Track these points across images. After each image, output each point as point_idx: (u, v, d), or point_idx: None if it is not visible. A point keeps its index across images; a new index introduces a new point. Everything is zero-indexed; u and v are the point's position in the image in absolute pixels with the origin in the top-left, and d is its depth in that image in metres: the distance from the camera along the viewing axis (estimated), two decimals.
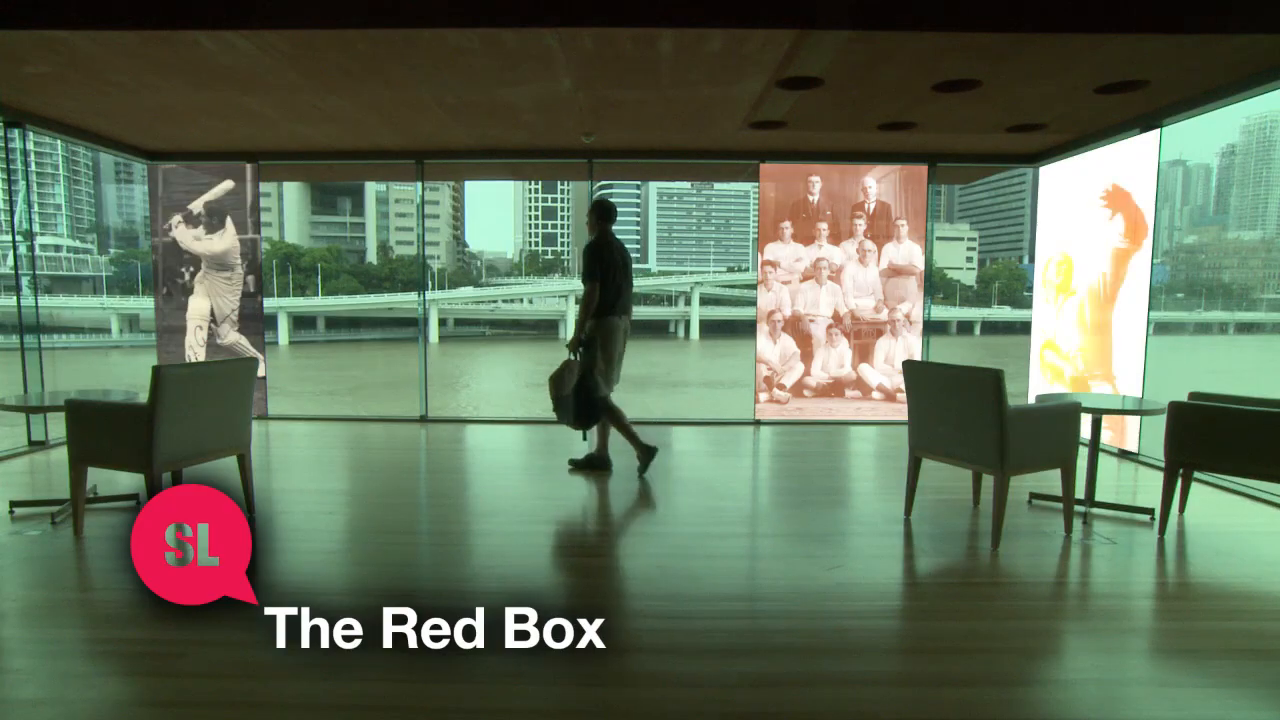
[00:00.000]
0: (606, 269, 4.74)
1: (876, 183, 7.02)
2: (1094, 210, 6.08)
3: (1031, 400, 5.03)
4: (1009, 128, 5.72)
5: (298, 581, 3.23)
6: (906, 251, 7.08)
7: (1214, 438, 3.65)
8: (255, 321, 7.25)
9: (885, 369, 7.13)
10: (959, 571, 3.41)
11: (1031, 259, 7.04)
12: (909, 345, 7.11)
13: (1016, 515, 4.02)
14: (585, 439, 5.05)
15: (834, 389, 7.15)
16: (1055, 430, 3.67)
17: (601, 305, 4.71)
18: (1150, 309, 5.48)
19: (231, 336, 7.21)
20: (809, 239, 7.05)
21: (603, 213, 4.89)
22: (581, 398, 4.70)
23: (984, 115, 5.33)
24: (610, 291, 4.75)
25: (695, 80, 4.61)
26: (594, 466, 5.03)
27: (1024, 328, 7.31)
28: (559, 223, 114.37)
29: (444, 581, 3.32)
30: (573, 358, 4.74)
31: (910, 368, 3.97)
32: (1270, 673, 2.44)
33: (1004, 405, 3.42)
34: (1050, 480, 3.94)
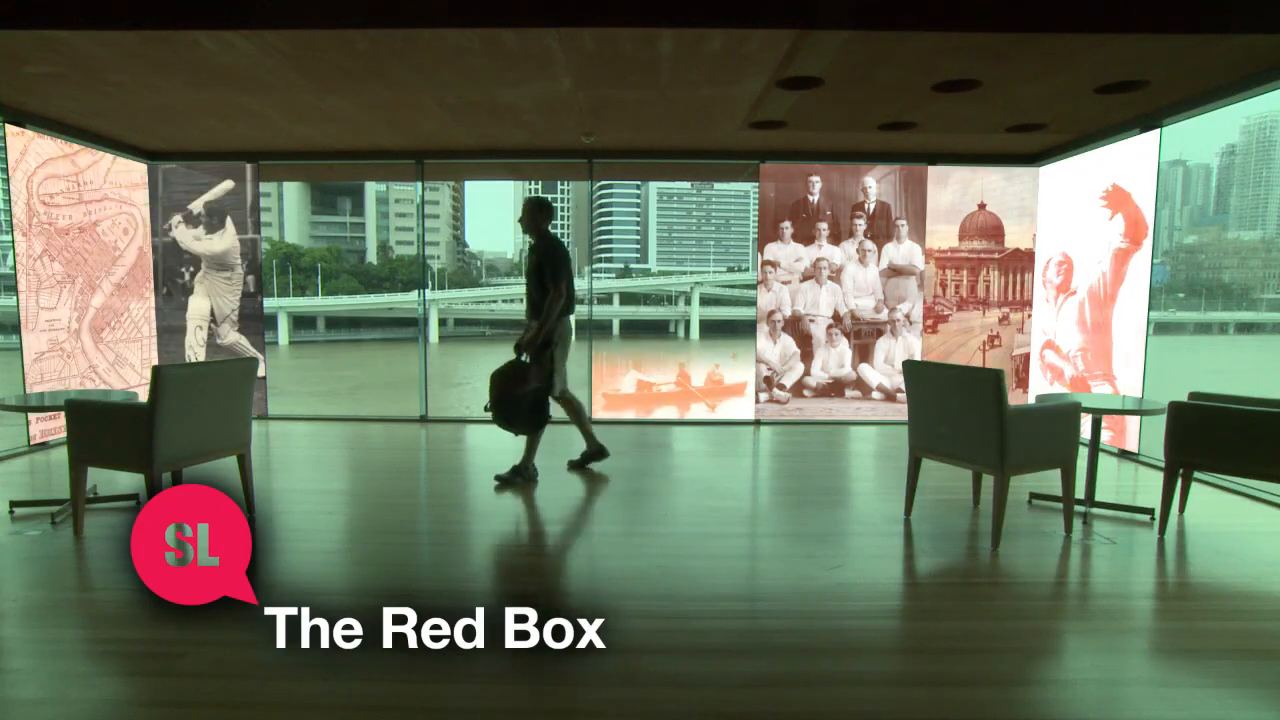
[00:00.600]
0: (570, 270, 4.67)
1: (876, 183, 7.02)
2: (1094, 210, 6.08)
3: (1031, 400, 5.03)
4: (1009, 128, 5.72)
5: (298, 581, 3.23)
6: (906, 251, 7.08)
7: (1214, 438, 3.65)
8: (255, 321, 7.25)
9: (885, 369, 7.13)
10: (959, 571, 3.41)
11: (1032, 259, 7.04)
12: (909, 345, 7.11)
13: (1016, 515, 4.02)
14: (515, 436, 4.85)
15: (834, 389, 7.15)
16: (1055, 430, 3.67)
17: (564, 306, 4.61)
18: (1150, 309, 5.48)
19: (231, 336, 7.21)
20: (809, 239, 7.05)
21: (548, 211, 4.77)
22: (539, 399, 4.62)
23: (984, 115, 5.33)
24: (570, 292, 4.67)
25: (695, 80, 4.61)
26: (593, 459, 5.05)
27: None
28: (559, 223, 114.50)
29: (444, 581, 3.32)
30: (524, 359, 4.57)
31: (910, 368, 3.97)
32: (1270, 673, 2.44)
33: (1004, 405, 3.42)
34: (1050, 480, 3.94)
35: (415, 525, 3.99)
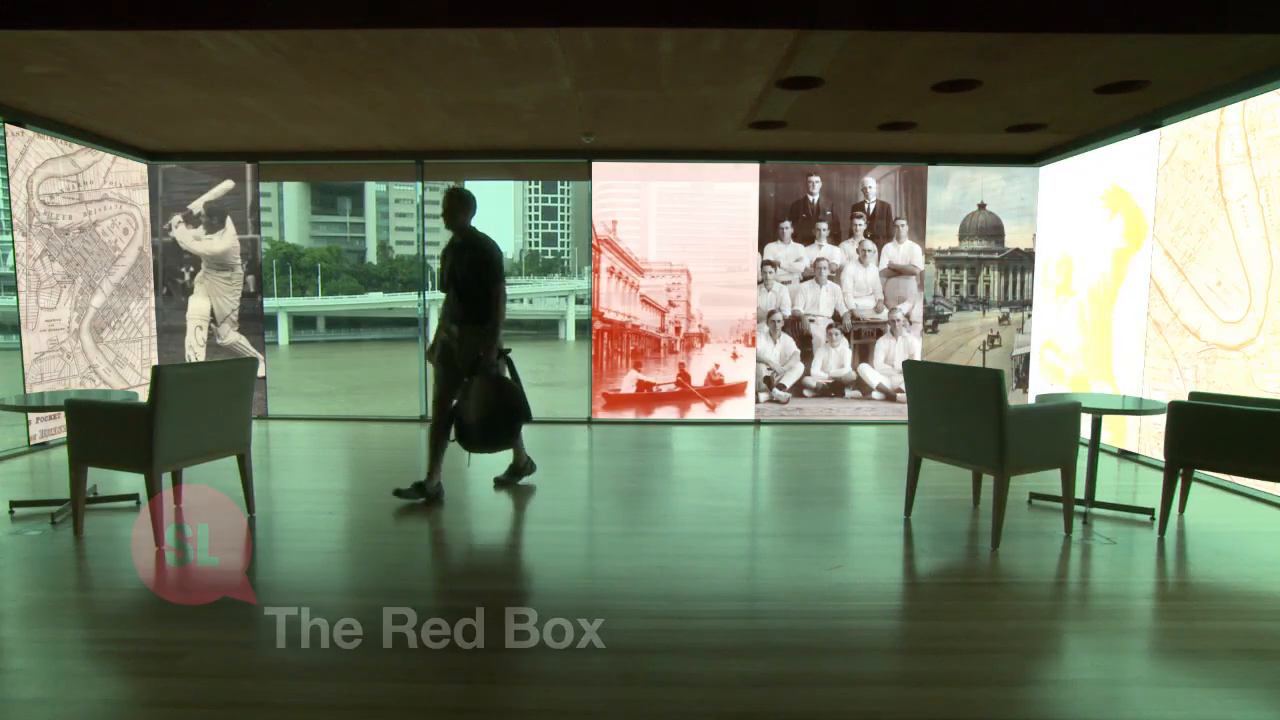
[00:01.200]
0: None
1: (876, 183, 7.03)
2: (1094, 210, 6.08)
3: (1031, 400, 5.03)
4: (1009, 128, 5.73)
5: (298, 581, 3.23)
6: (906, 251, 7.08)
7: (1214, 438, 3.65)
8: (255, 321, 7.26)
9: (885, 369, 7.13)
10: (959, 571, 3.41)
11: (1031, 259, 7.05)
12: (909, 345, 7.11)
13: (1016, 515, 4.02)
14: (469, 464, 4.81)
15: (834, 389, 7.15)
16: (1055, 430, 3.67)
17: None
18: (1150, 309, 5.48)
19: (231, 336, 7.21)
20: (809, 239, 7.06)
21: (472, 205, 4.32)
22: (513, 408, 4.25)
23: (984, 115, 5.33)
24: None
25: (695, 80, 4.61)
26: (522, 473, 4.76)
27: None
28: (559, 223, 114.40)
29: (444, 581, 3.33)
30: (472, 377, 4.17)
31: (910, 368, 3.97)
32: (1270, 673, 2.44)
33: (1004, 405, 3.42)
34: (1050, 480, 3.94)
35: (415, 525, 3.99)
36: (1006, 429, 3.42)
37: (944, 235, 7.08)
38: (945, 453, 3.82)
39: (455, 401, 4.24)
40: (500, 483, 4.68)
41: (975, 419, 3.54)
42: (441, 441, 4.33)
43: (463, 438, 4.23)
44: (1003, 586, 3.21)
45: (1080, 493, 3.97)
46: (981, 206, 7.05)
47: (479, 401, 4.17)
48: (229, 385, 3.82)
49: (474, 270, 4.17)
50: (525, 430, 4.60)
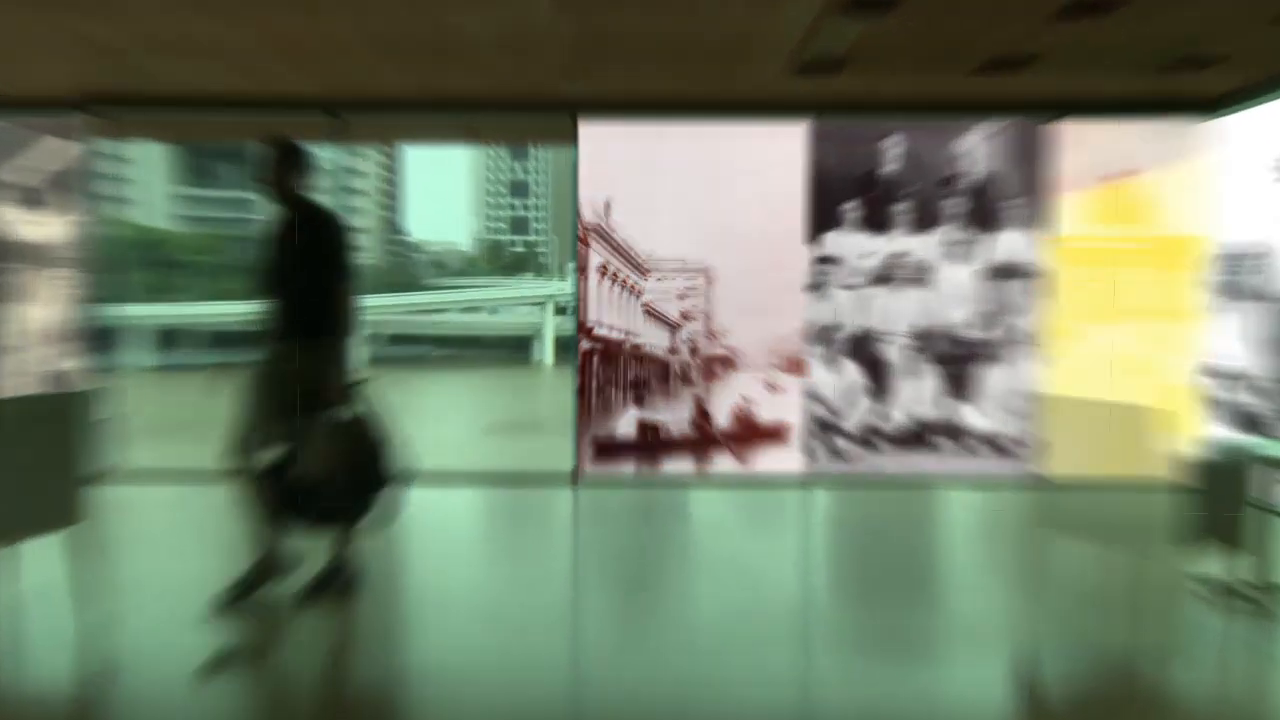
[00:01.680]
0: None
1: (978, 147, 7.05)
2: None
3: (1205, 449, 4.98)
4: (1169, 63, 5.71)
5: (151, 710, 3.17)
6: (1020, 243, 7.08)
7: None
8: (97, 339, 7.25)
9: (992, 407, 7.09)
10: (1103, 693, 3.37)
11: (1200, 251, 7.05)
12: (1025, 374, 7.07)
13: (1190, 611, 3.97)
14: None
15: (918, 436, 7.11)
16: (1239, 490, 3.63)
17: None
18: None
19: (63, 360, 7.20)
20: (882, 226, 7.06)
21: (306, 165, 4.15)
22: (383, 466, 4.16)
23: (1132, 45, 5.34)
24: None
25: (721, 4, 4.64)
26: (338, 579, 4.30)
27: None
28: (532, 202, 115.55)
29: (368, 710, 3.27)
30: (315, 421, 4.01)
31: (1047, 405, 3.93)
32: None
33: (1171, 458, 3.39)
34: (1235, 563, 3.88)
35: (322, 626, 3.95)
36: (1178, 489, 3.38)
37: (1072, 220, 7.09)
38: (1080, 525, 3.78)
39: (281, 456, 4.06)
40: (311, 592, 4.26)
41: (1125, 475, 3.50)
42: (274, 507, 4.12)
43: (301, 508, 4.06)
44: (1170, 716, 3.16)
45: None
46: (1127, 177, 7.06)
47: (332, 453, 4.01)
48: (57, 429, 3.79)
49: (311, 260, 4.04)
50: (490, 494, 4.57)
